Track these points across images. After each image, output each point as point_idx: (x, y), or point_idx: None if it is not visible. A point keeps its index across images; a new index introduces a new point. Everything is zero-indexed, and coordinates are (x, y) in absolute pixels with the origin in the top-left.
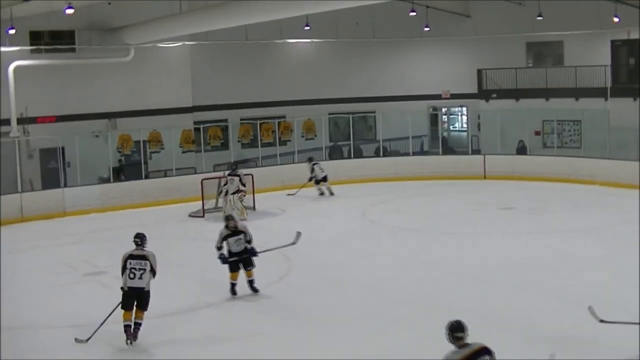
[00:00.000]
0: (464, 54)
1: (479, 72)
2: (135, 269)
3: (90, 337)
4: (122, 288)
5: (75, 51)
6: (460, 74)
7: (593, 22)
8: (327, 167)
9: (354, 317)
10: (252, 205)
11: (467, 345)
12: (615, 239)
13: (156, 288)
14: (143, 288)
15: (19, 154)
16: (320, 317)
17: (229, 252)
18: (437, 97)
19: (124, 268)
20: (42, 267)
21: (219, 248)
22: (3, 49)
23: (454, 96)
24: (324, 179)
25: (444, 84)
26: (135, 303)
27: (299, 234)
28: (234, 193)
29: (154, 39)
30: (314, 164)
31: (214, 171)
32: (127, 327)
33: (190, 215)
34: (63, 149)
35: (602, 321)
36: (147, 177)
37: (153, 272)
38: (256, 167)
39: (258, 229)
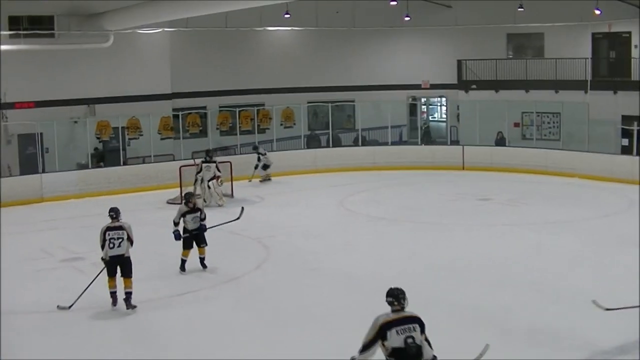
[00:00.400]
0: (444, 44)
1: (459, 62)
2: (114, 238)
3: (72, 305)
4: (102, 259)
5: (55, 36)
6: (440, 65)
7: (574, 14)
8: (306, 155)
9: (329, 308)
10: (230, 192)
11: (400, 310)
12: (592, 232)
13: (135, 275)
14: (123, 254)
15: None
16: (295, 308)
17: (184, 229)
18: (417, 87)
19: (103, 240)
20: (19, 253)
21: (176, 224)
22: None
23: (433, 86)
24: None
25: (423, 74)
26: (120, 272)
27: (242, 209)
28: (210, 180)
29: (133, 25)
30: (260, 154)
31: (193, 158)
32: (112, 294)
33: (168, 202)
34: (41, 134)
35: (607, 309)
36: (125, 163)
37: (130, 240)
38: (235, 154)
39: (234, 217)
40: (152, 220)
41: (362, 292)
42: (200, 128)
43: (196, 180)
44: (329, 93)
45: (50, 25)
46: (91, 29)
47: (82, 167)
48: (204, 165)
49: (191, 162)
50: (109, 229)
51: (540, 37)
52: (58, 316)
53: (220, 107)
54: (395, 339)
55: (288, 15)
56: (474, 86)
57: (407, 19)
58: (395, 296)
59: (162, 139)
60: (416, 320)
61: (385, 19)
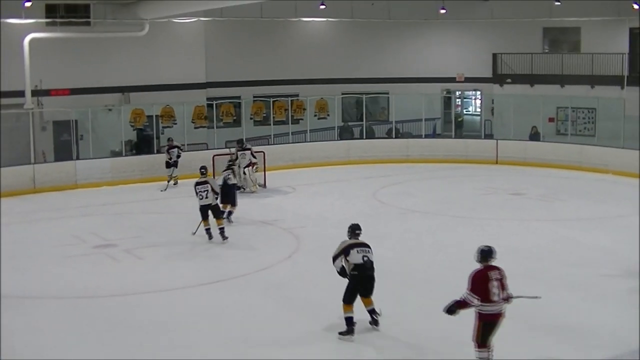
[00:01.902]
0: (479, 37)
1: (494, 56)
2: (201, 191)
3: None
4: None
5: (90, 25)
6: (476, 58)
7: (612, 9)
8: (339, 147)
9: (358, 299)
10: (262, 182)
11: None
12: (624, 230)
13: (165, 263)
14: (210, 204)
15: (33, 125)
16: (324, 298)
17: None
18: (452, 80)
19: (196, 192)
20: (51, 239)
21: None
22: (19, 21)
23: (468, 80)
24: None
25: (458, 67)
26: (212, 215)
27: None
28: (246, 166)
29: (168, 14)
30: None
31: (226, 147)
32: (207, 230)
33: None
34: (76, 121)
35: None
36: (158, 151)
37: (214, 192)
38: (268, 145)
39: (268, 207)
40: (183, 209)
41: (391, 283)
42: (234, 118)
43: (231, 167)
44: (363, 85)
45: (86, 13)
46: (127, 18)
47: (115, 154)
48: (239, 153)
49: (225, 151)
50: (197, 183)
51: (577, 32)
52: (87, 302)
53: (254, 97)
54: (355, 256)
55: (323, 6)
56: (509, 80)
57: (443, 11)
58: (356, 228)
59: (195, 127)
60: (369, 246)
61: (421, 12)
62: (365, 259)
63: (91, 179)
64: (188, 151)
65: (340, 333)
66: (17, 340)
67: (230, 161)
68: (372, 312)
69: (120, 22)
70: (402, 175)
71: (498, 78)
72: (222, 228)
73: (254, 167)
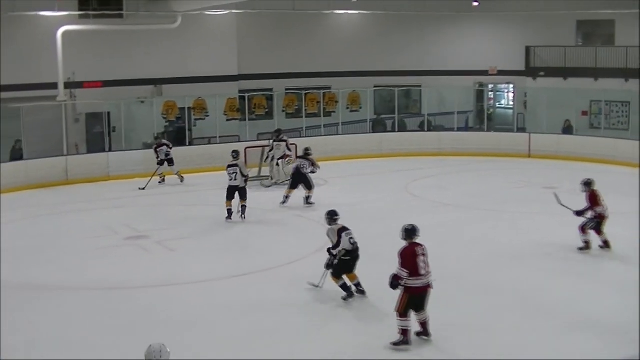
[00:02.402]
0: (512, 30)
1: (527, 49)
2: (231, 173)
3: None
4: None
5: (123, 17)
6: (508, 51)
7: None
8: (371, 140)
9: (389, 292)
10: None
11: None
12: None
13: (196, 255)
14: (237, 185)
15: (66, 118)
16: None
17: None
18: (484, 73)
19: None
20: (84, 230)
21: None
22: (52, 14)
23: (501, 73)
24: (282, 157)
25: (491, 61)
26: (239, 196)
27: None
28: (280, 158)
29: (201, 7)
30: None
31: (258, 140)
32: (228, 211)
33: None
34: (109, 113)
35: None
36: (191, 144)
37: (242, 174)
38: (300, 137)
39: (299, 199)
40: (215, 201)
41: None
42: (266, 110)
43: (266, 158)
44: (395, 77)
45: (119, 6)
46: (159, 10)
47: (148, 146)
48: (274, 144)
49: (258, 143)
50: (228, 166)
51: (611, 25)
52: (118, 293)
53: (286, 89)
54: (345, 241)
55: None
56: (542, 73)
57: (475, 4)
58: (334, 214)
59: (227, 120)
60: (348, 229)
61: (453, 5)
62: (353, 241)
63: (123, 171)
64: (220, 143)
65: (343, 298)
66: (47, 330)
67: (269, 150)
68: (358, 285)
69: (152, 14)
70: (434, 168)
71: (531, 71)
72: (244, 207)
73: (287, 160)
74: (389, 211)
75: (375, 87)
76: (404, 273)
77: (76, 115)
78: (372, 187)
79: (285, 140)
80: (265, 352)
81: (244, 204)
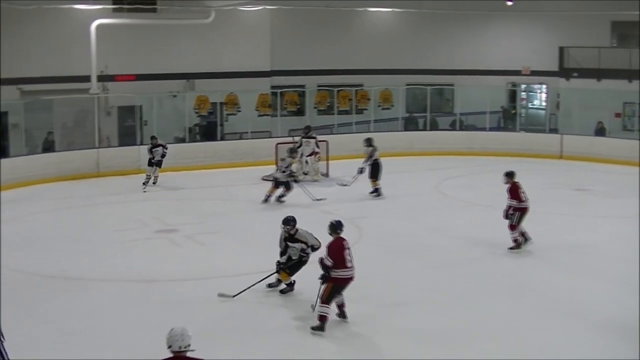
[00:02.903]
0: (546, 30)
1: (561, 49)
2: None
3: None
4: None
5: (156, 11)
6: (542, 51)
7: None
8: (403, 138)
9: (419, 290)
10: (325, 171)
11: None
12: None
13: (226, 250)
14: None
15: (98, 110)
16: (385, 288)
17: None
18: (517, 73)
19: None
20: (115, 222)
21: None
22: (86, 7)
23: (534, 73)
24: (310, 154)
25: (524, 60)
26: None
27: None
28: (309, 155)
29: (234, 2)
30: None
31: (289, 136)
32: (269, 196)
33: (263, 179)
34: (141, 107)
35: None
36: (222, 138)
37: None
38: (331, 134)
39: (330, 196)
40: (246, 196)
41: (452, 276)
42: (298, 106)
43: (293, 154)
44: (428, 76)
45: (153, 0)
46: (192, 5)
47: (179, 140)
48: (303, 140)
49: (289, 139)
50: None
51: None
52: (147, 285)
53: (318, 86)
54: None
55: None
56: (575, 74)
57: (509, 3)
58: (293, 220)
59: (259, 115)
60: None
61: (487, 4)
62: (292, 252)
63: None
64: (252, 139)
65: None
66: (78, 321)
67: (297, 147)
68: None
69: (186, 9)
70: (466, 167)
71: (564, 72)
72: (283, 195)
73: (317, 157)
74: (419, 210)
75: (407, 85)
76: (328, 262)
77: (108, 108)
78: (403, 185)
79: (314, 137)
80: (300, 344)
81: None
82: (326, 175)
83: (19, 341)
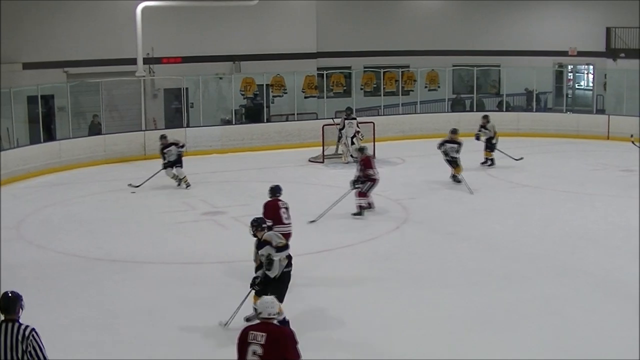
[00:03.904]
0: (593, 11)
1: (608, 30)
2: None
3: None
4: None
5: None
6: (589, 32)
7: None
8: (450, 119)
9: (465, 271)
10: (372, 153)
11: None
12: None
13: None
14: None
15: (144, 93)
16: (431, 270)
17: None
18: (564, 54)
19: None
20: (161, 205)
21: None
22: None
23: (580, 54)
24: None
25: (571, 41)
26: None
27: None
28: (353, 136)
29: None
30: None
31: (337, 117)
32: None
33: (310, 161)
34: (187, 89)
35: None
36: (268, 120)
37: None
38: (378, 115)
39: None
40: (292, 178)
41: (499, 257)
42: (345, 88)
43: (339, 137)
44: (474, 57)
45: None
46: None
47: (225, 122)
48: (346, 122)
49: (336, 121)
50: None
51: None
52: (195, 267)
53: (364, 67)
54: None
55: None
56: (622, 55)
57: None
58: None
59: (305, 97)
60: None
61: None
62: (263, 258)
63: (201, 147)
64: (298, 120)
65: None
66: (123, 304)
67: (340, 129)
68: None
69: None
70: (512, 149)
71: (611, 52)
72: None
73: (360, 135)
74: (466, 191)
75: (454, 66)
76: (267, 222)
77: (154, 90)
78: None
79: (355, 118)
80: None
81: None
82: (373, 156)
83: (65, 323)
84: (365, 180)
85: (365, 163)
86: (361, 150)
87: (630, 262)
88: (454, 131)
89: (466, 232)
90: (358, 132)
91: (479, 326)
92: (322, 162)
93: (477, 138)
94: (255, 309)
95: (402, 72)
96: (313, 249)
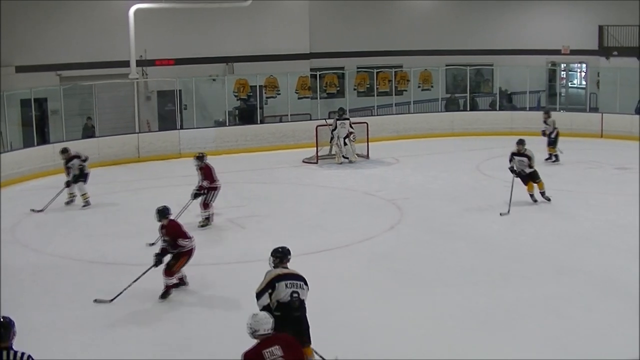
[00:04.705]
0: (585, 9)
1: (600, 28)
2: None
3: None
4: None
5: None
6: (581, 30)
7: None
8: (443, 119)
9: (462, 271)
10: (365, 153)
11: (286, 268)
12: None
13: (268, 233)
14: None
15: (137, 95)
16: (427, 269)
17: None
18: (557, 52)
19: None
20: (156, 207)
21: None
22: None
23: (573, 52)
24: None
25: (564, 40)
26: None
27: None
28: (345, 137)
29: None
30: (338, 119)
31: (329, 118)
32: None
33: (303, 161)
34: (180, 91)
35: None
36: (262, 121)
37: None
38: (371, 115)
39: (371, 177)
40: (287, 179)
41: (495, 256)
42: (338, 88)
43: (332, 138)
44: (467, 56)
45: None
46: None
47: (219, 124)
48: (338, 122)
49: (329, 121)
50: None
51: None
52: (194, 269)
53: (358, 68)
54: (282, 291)
55: None
56: (615, 53)
57: None
58: (287, 253)
59: (299, 98)
60: (303, 279)
61: None
62: (295, 295)
63: (195, 148)
64: (291, 121)
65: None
66: (119, 305)
67: (332, 130)
68: None
69: None
70: (506, 147)
71: (604, 51)
72: None
73: (352, 136)
74: (460, 190)
75: (447, 65)
76: (186, 242)
77: (148, 92)
78: (444, 166)
79: (347, 118)
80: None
81: None
82: (366, 157)
83: (61, 325)
84: (209, 190)
85: (206, 171)
86: (200, 158)
87: (629, 260)
88: (520, 142)
89: (463, 232)
90: (351, 132)
91: (478, 325)
92: (316, 162)
93: (544, 134)
94: (251, 327)
95: (395, 72)
96: (310, 248)
